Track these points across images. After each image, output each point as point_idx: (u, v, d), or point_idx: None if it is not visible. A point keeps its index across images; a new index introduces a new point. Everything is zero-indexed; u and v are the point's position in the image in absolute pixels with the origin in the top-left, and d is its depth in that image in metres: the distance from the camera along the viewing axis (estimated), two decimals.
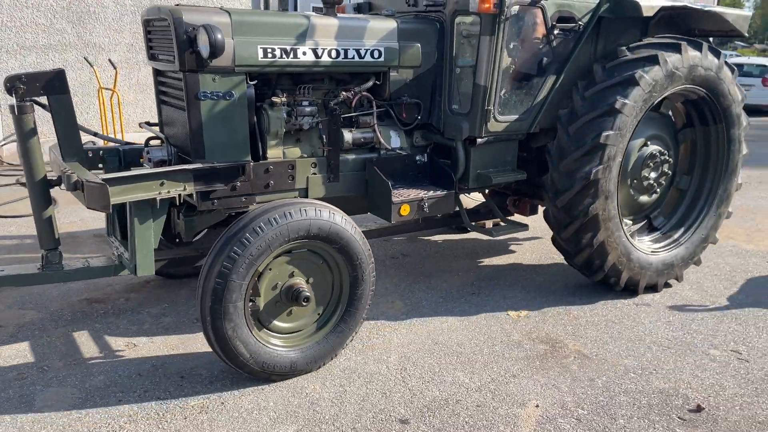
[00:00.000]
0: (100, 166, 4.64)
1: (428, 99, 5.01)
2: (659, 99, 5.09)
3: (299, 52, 4.36)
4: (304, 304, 3.96)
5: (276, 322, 4.06)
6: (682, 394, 3.96)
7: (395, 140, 4.97)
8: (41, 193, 4.05)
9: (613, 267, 5.18)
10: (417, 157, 5.01)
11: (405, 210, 4.69)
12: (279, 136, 4.51)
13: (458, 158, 4.99)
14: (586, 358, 4.39)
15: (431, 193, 4.81)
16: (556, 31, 4.98)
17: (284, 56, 4.31)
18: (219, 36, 3.86)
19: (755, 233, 7.37)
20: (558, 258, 5.98)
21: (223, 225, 4.79)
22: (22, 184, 5.32)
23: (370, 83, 4.78)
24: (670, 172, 5.60)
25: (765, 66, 21.78)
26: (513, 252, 6.62)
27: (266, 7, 11.49)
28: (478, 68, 4.75)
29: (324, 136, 4.65)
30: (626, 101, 4.80)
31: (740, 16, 5.66)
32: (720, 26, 5.65)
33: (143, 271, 4.11)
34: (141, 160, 4.66)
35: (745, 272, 6.13)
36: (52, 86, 4.00)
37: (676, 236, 5.71)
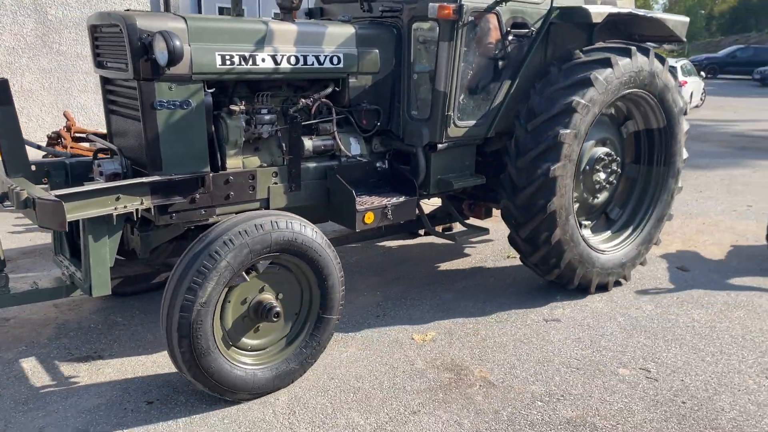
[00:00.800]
0: (45, 180, 4.37)
1: (387, 105, 4.96)
2: (611, 102, 5.21)
3: (258, 59, 4.23)
4: (275, 320, 3.83)
5: (244, 339, 3.91)
6: (590, 423, 3.77)
7: (355, 147, 4.90)
8: None
9: (569, 265, 5.25)
10: (377, 164, 4.96)
11: (369, 218, 4.62)
12: (238, 146, 4.36)
13: (419, 164, 4.96)
14: (491, 386, 4.14)
15: (394, 199, 4.76)
16: (510, 37, 5.02)
17: (243, 63, 4.18)
18: (177, 42, 3.69)
19: (664, 236, 6.87)
20: (470, 267, 5.99)
21: (180, 239, 4.60)
22: None
23: (329, 90, 4.69)
24: (618, 170, 5.73)
25: (674, 68, 22.77)
26: (423, 264, 6.33)
27: (166, 9, 11.10)
28: (438, 74, 4.74)
29: (284, 144, 4.53)
30: (582, 101, 4.88)
31: (679, 21, 5.86)
32: (660, 31, 5.84)
33: (99, 291, 3.89)
34: (91, 174, 4.42)
35: (653, 279, 6.05)
36: None
37: (625, 236, 5.85)
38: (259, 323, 3.91)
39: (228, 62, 4.11)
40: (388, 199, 4.76)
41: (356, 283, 5.77)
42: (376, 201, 4.70)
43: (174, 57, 3.70)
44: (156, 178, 3.96)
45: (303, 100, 4.56)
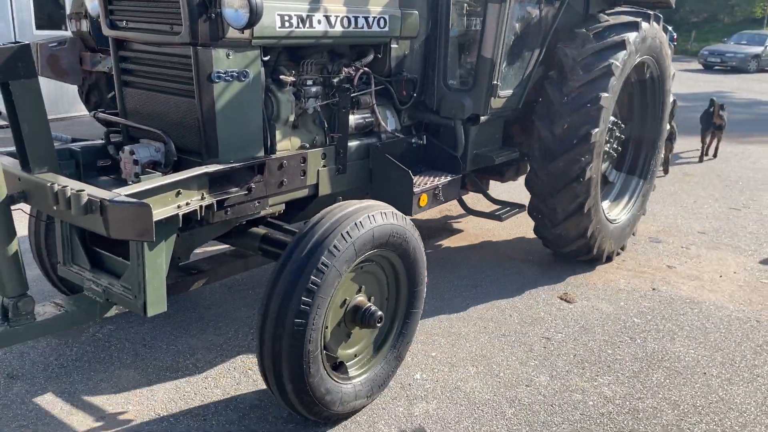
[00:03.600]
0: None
1: (421, 74, 4.48)
2: (633, 65, 5.08)
3: (314, 20, 3.60)
4: (378, 325, 3.30)
5: (339, 351, 3.35)
6: None
7: (392, 122, 4.40)
8: (2, 222, 2.87)
9: (592, 235, 5.09)
10: (413, 140, 4.48)
11: (424, 200, 4.18)
12: (288, 124, 3.72)
13: (457, 138, 4.56)
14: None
15: (442, 179, 4.34)
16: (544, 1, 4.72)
17: (300, 25, 3.52)
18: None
19: None
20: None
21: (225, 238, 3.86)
22: None
23: (371, 57, 4.13)
24: (622, 136, 5.65)
25: None
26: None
27: None
28: (485, 39, 4.33)
29: (324, 121, 3.94)
30: (618, 63, 4.69)
31: None
32: None
33: (155, 308, 3.14)
34: (101, 162, 3.57)
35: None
36: (13, 69, 2.81)
37: (623, 203, 5.82)
38: (352, 330, 3.36)
39: (287, 24, 3.44)
40: (436, 178, 4.33)
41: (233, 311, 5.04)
42: (428, 181, 4.25)
43: (255, 18, 3.00)
44: (218, 167, 3.24)
45: (345, 69, 3.96)
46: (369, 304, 3.29)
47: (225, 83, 3.26)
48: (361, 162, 4.17)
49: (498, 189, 6.27)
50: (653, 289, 5.05)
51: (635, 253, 5.81)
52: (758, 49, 25.95)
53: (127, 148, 3.34)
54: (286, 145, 3.73)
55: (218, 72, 3.21)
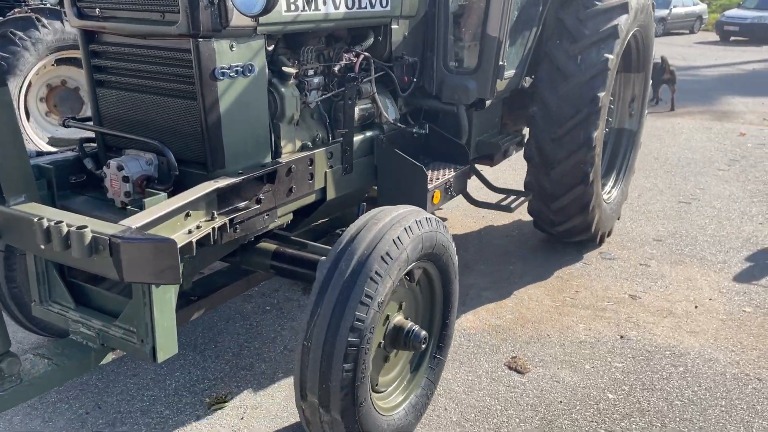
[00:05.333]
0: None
1: (420, 56, 4.06)
2: (633, 31, 4.79)
3: (320, 2, 3.12)
4: (423, 346, 2.91)
5: (380, 377, 2.96)
6: None
7: (392, 111, 3.97)
8: None
9: (592, 212, 4.73)
10: (414, 130, 4.06)
11: (437, 197, 3.81)
12: (293, 121, 3.25)
13: (461, 125, 4.18)
14: None
15: (451, 171, 3.96)
16: None
17: (306, 7, 3.05)
18: None
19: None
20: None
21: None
22: None
23: (371, 41, 3.69)
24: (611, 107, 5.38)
25: None
26: None
27: None
28: (491, 16, 3.94)
29: (326, 115, 3.50)
30: (622, 25, 4.40)
31: None
32: None
33: (166, 352, 2.66)
34: (73, 178, 3.00)
35: None
36: None
37: (611, 184, 5.58)
38: (390, 353, 2.96)
39: (293, 7, 2.97)
40: (445, 171, 3.95)
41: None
42: (435, 176, 3.87)
43: (272, 3, 2.51)
44: (228, 180, 2.75)
45: (345, 56, 3.51)
46: (411, 323, 2.90)
47: (230, 80, 2.77)
48: (366, 159, 3.74)
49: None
50: (621, 337, 3.92)
51: (588, 278, 4.72)
52: (663, 12, 26.42)
53: (113, 162, 2.79)
54: (290, 146, 3.26)
55: (222, 68, 2.71)
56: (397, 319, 2.90)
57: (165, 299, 2.60)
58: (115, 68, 2.94)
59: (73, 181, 3.02)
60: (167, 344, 2.66)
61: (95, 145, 3.14)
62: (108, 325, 2.74)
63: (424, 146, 4.15)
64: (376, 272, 2.52)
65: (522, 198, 4.64)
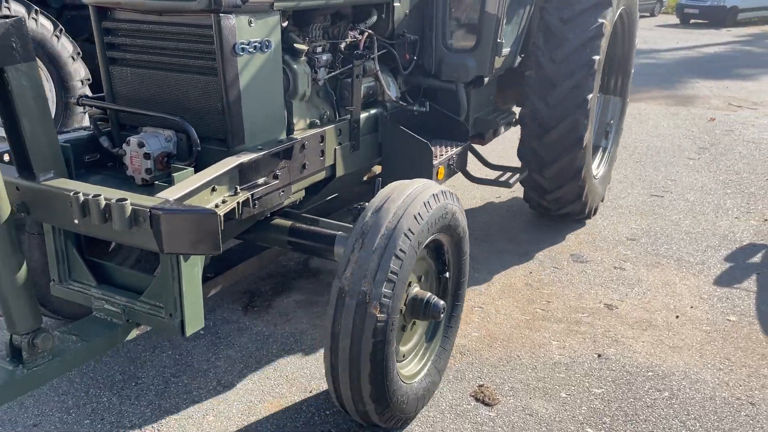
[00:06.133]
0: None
1: (420, 35, 4.11)
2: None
3: None
4: (441, 316, 2.98)
5: (400, 347, 3.03)
6: None
7: (393, 89, 4.02)
8: (8, 243, 2.29)
9: (584, 179, 4.73)
10: (414, 108, 4.12)
11: (441, 173, 3.88)
12: (304, 98, 3.27)
13: (460, 103, 4.25)
14: None
15: (453, 148, 4.03)
16: None
17: None
18: None
19: None
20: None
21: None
22: None
23: (374, 18, 3.72)
24: None
25: None
26: None
27: None
28: None
29: (332, 93, 3.54)
30: (606, 22, 4.48)
31: None
32: None
33: (193, 326, 2.69)
34: (88, 156, 2.99)
35: None
36: (8, 51, 2.21)
37: (597, 158, 5.70)
38: (408, 323, 3.03)
39: None
40: (447, 148, 4.02)
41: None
42: (438, 152, 3.93)
43: None
44: (250, 155, 2.78)
45: (350, 33, 3.54)
46: (430, 294, 2.97)
47: (248, 56, 2.79)
48: (370, 136, 3.78)
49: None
50: (599, 356, 3.53)
51: (560, 284, 4.30)
52: None
53: (133, 140, 2.79)
54: (302, 123, 3.30)
55: (242, 43, 2.73)
56: (416, 290, 2.96)
57: (193, 273, 2.62)
58: (129, 46, 2.92)
59: (87, 160, 3.01)
60: (195, 318, 2.69)
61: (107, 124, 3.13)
62: (133, 301, 2.75)
63: (423, 124, 4.20)
64: (401, 249, 2.58)
65: (518, 173, 4.71)
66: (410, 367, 3.09)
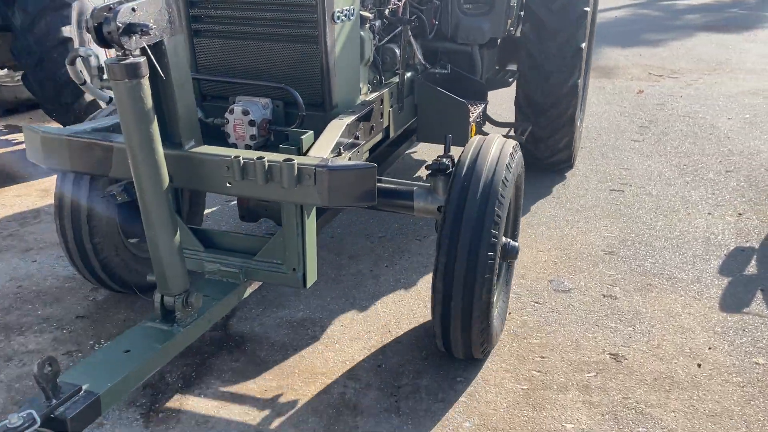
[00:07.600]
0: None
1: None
2: None
3: None
4: (517, 256, 3.30)
5: None
6: None
7: (420, 52, 4.25)
8: (166, 210, 2.41)
9: (573, 123, 5.01)
10: (437, 70, 4.38)
11: (473, 131, 4.16)
12: (368, 63, 3.48)
13: (476, 65, 4.54)
14: None
15: (478, 107, 4.33)
16: None
17: None
18: None
19: None
20: None
21: None
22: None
23: None
24: None
25: None
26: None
27: None
28: None
29: (379, 57, 3.74)
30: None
31: None
32: None
33: (311, 278, 2.91)
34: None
35: None
36: (167, 22, 2.30)
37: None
38: None
39: None
40: (474, 107, 4.30)
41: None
42: (472, 110, 4.22)
43: None
44: (350, 117, 2.99)
45: (392, 0, 3.75)
46: (506, 238, 3.28)
47: (341, 24, 2.98)
48: (408, 98, 4.02)
49: None
50: None
51: (548, 328, 3.53)
52: None
53: (237, 108, 2.92)
54: (365, 87, 3.50)
55: (338, 11, 2.90)
56: None
57: (312, 229, 2.82)
58: (217, 17, 3.02)
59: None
60: (313, 271, 2.89)
61: None
62: (248, 262, 2.91)
63: (443, 85, 4.47)
64: (501, 195, 2.86)
65: (522, 127, 5.04)
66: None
